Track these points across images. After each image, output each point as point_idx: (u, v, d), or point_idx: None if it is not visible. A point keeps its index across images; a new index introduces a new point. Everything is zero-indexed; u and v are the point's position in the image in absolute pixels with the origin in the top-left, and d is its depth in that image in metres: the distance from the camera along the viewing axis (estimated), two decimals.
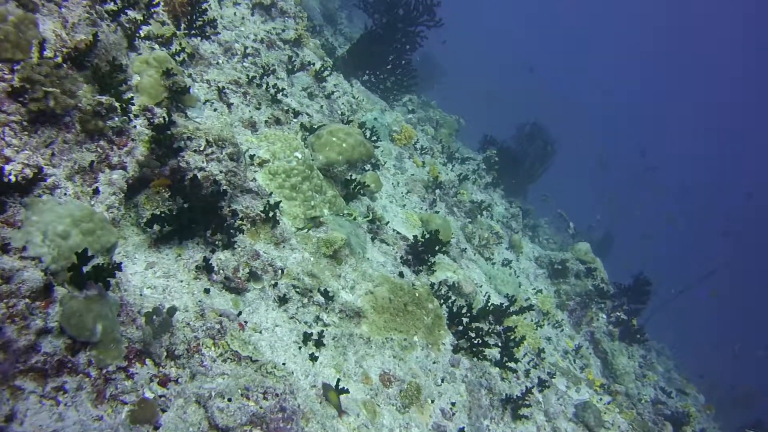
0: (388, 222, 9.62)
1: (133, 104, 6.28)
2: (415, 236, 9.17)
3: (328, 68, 12.92)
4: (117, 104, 5.89)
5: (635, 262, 28.58)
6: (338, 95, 12.99)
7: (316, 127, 9.31)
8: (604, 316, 15.88)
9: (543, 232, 20.75)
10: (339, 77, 14.04)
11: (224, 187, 6.42)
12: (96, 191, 5.50)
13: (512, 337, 9.55)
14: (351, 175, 8.99)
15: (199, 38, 9.10)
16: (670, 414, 13.43)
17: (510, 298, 10.71)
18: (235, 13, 11.27)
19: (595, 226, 26.00)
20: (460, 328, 8.39)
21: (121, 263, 4.81)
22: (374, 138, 12.28)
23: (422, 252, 8.95)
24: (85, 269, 4.40)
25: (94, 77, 5.78)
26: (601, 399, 12.01)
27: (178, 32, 8.54)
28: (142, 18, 7.45)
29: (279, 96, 9.62)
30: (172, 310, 5.01)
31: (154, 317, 4.86)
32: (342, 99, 13.06)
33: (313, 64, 12.16)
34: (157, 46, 7.84)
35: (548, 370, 11.47)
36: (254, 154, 7.50)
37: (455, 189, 14.80)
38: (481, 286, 11.34)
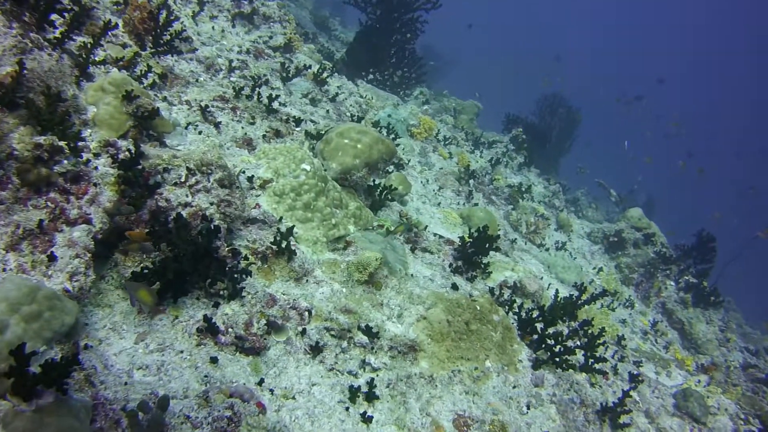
0: (427, 226, 8.24)
1: (85, 140, 5.02)
2: (461, 237, 7.79)
3: (328, 69, 11.64)
4: (63, 143, 4.60)
5: (679, 218, 27.10)
6: (344, 96, 11.68)
7: (323, 132, 8.01)
8: (673, 284, 14.39)
9: (585, 205, 19.29)
10: (342, 78, 12.75)
11: (217, 222, 5.09)
12: (52, 257, 4.21)
13: (591, 331, 8.17)
14: (374, 180, 7.65)
15: (172, 56, 7.83)
16: (765, 377, 11.90)
17: (579, 287, 9.28)
18: (213, 27, 10.02)
19: (638, 188, 24.40)
20: (535, 337, 6.97)
21: (88, 346, 3.53)
22: (392, 136, 10.97)
23: (473, 254, 7.56)
24: (33, 369, 3.09)
25: (31, 115, 4.50)
26: (699, 381, 10.53)
27: (142, 52, 7.27)
28: (92, 41, 6.19)
29: (275, 105, 8.35)
30: (164, 401, 3.65)
31: (141, 416, 3.53)
32: (349, 100, 11.75)
33: (310, 67, 10.86)
34: (115, 71, 6.57)
35: (633, 358, 10.05)
36: (253, 175, 6.16)
37: (489, 175, 13.42)
38: (542, 278, 9.94)
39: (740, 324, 17.74)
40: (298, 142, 7.88)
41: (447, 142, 13.73)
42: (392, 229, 7.12)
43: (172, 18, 7.71)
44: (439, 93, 20.94)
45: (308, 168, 6.21)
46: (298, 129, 8.17)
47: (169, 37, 7.49)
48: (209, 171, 5.33)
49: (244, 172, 6.22)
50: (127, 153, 5.11)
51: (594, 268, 13.41)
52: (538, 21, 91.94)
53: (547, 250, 12.09)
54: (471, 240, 7.58)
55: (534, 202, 14.58)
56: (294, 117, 8.37)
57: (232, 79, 8.95)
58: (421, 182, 10.97)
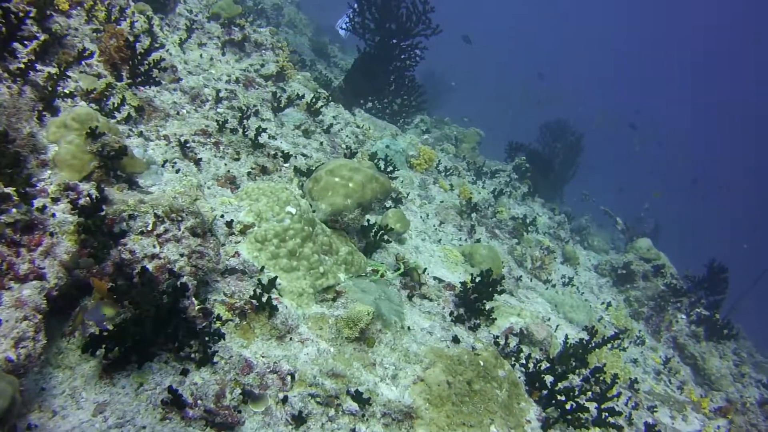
0: (426, 269, 7.64)
1: (36, 186, 4.47)
2: (463, 283, 7.19)
3: (323, 98, 11.12)
4: (11, 190, 4.05)
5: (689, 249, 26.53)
6: (339, 127, 11.14)
7: (313, 168, 7.46)
8: (684, 317, 13.80)
9: (590, 234, 18.73)
10: (338, 108, 12.22)
11: (185, 279, 4.49)
12: None
13: (603, 378, 7.59)
14: (368, 220, 7.06)
15: (152, 87, 7.29)
16: None
17: (589, 330, 8.66)
18: (201, 56, 9.52)
19: (645, 216, 23.73)
20: (545, 392, 6.36)
21: (32, 426, 2.95)
22: (390, 168, 10.41)
23: (476, 300, 6.97)
24: None
25: None
26: (719, 428, 9.90)
27: (117, 83, 6.74)
28: (58, 72, 5.66)
29: (264, 138, 7.83)
30: None
31: None
32: (345, 131, 11.21)
33: (303, 96, 10.33)
34: (83, 104, 6.04)
35: (647, 402, 9.44)
36: (232, 220, 5.58)
37: (492, 208, 12.87)
38: (549, 320, 9.34)
39: (751, 353, 17.08)
40: (286, 179, 7.34)
41: (448, 173, 13.19)
42: (387, 275, 6.55)
43: (150, 47, 7.20)
44: (440, 120, 20.49)
45: (294, 211, 5.63)
46: (286, 165, 7.62)
47: (146, 67, 6.94)
48: (180, 218, 4.76)
49: (222, 216, 5.64)
50: (87, 198, 4.55)
51: (602, 303, 12.83)
52: (541, 47, 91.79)
53: (554, 286, 11.50)
54: (474, 285, 6.99)
55: (539, 234, 14.03)
56: (283, 152, 7.83)
57: (219, 110, 8.43)
58: (421, 217, 10.40)
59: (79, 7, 8.06)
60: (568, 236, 15.62)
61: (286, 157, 7.67)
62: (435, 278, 7.58)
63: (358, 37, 14.00)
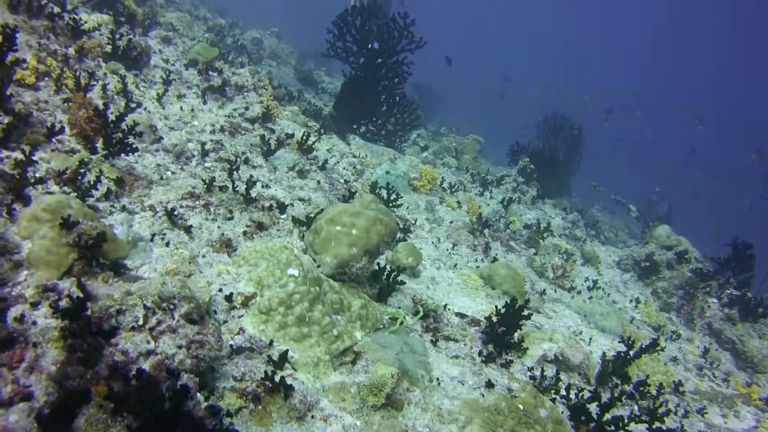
0: (446, 304, 7.17)
1: (11, 293, 4.05)
2: (488, 318, 6.69)
3: (315, 133, 10.71)
4: None
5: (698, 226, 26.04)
6: (336, 160, 10.72)
7: (313, 215, 7.01)
8: (715, 300, 13.27)
9: (604, 226, 18.27)
10: (332, 138, 11.81)
11: (186, 377, 4.04)
12: None
13: (646, 390, 7.12)
14: (378, 264, 6.60)
15: (131, 155, 6.85)
16: None
17: (626, 342, 8.13)
18: (182, 108, 9.13)
19: (656, 199, 23.24)
20: (592, 425, 5.86)
21: None
22: (393, 197, 9.97)
23: (504, 333, 6.49)
24: None
25: None
26: None
27: (93, 156, 6.32)
28: (24, 157, 5.25)
29: (257, 187, 7.41)
30: None
31: None
32: (342, 163, 10.78)
33: (293, 135, 9.90)
34: (56, 188, 5.61)
35: (696, 404, 8.94)
36: (232, 293, 5.12)
37: (504, 219, 12.41)
38: (580, 333, 8.87)
39: None
40: (285, 232, 6.90)
41: (453, 190, 12.75)
42: (406, 321, 6.09)
43: (123, 111, 6.78)
44: (437, 132, 20.14)
45: (296, 273, 5.17)
46: (283, 216, 7.17)
47: (121, 135, 6.50)
48: (172, 306, 4.31)
49: (221, 290, 5.18)
50: (68, 299, 4.11)
51: (631, 301, 12.34)
52: (521, 38, 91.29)
53: (579, 293, 11.01)
54: (499, 317, 6.52)
55: (555, 238, 13.54)
56: (278, 202, 7.38)
57: (206, 164, 8.01)
58: (432, 242, 9.95)
59: (46, 78, 7.67)
60: (584, 234, 15.13)
61: (282, 207, 7.22)
62: (457, 314, 7.09)
63: (342, 61, 13.58)
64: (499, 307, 6.62)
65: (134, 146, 6.64)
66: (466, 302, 7.99)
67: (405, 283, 6.93)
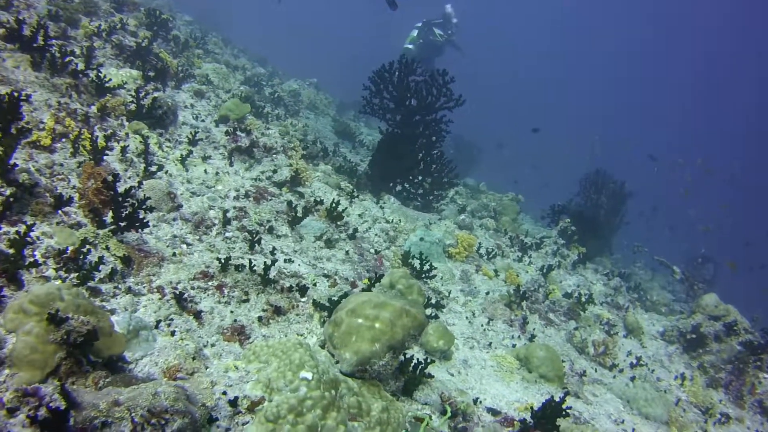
0: (478, 399, 6.54)
1: None
2: (521, 422, 6.04)
3: (347, 196, 10.23)
4: None
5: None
6: (367, 226, 10.22)
7: (336, 299, 6.47)
8: (766, 376, 12.40)
9: (649, 290, 17.48)
10: (365, 200, 11.34)
11: None
12: None
13: None
14: (404, 354, 5.99)
15: (138, 231, 6.37)
16: None
17: None
18: (206, 171, 8.71)
19: (702, 261, 22.34)
20: None
21: None
22: (426, 267, 9.42)
23: None
24: None
25: None
26: None
27: (99, 231, 5.87)
28: (18, 237, 4.82)
29: (274, 268, 6.89)
30: None
31: None
32: (374, 229, 10.27)
33: (322, 201, 9.43)
34: (53, 271, 5.15)
35: None
36: (237, 397, 4.56)
37: (543, 288, 11.73)
38: (623, 422, 8.16)
39: None
40: (305, 316, 6.36)
41: (491, 256, 12.15)
42: (432, 424, 5.47)
43: (140, 177, 6.35)
44: (475, 188, 19.59)
45: (310, 376, 4.61)
46: (303, 300, 6.63)
47: (131, 210, 6.04)
48: (163, 420, 3.78)
49: (225, 393, 4.63)
50: (46, 410, 3.61)
51: (676, 378, 11.54)
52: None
53: (621, 371, 10.28)
54: (534, 421, 5.88)
55: (596, 306, 12.84)
56: (298, 285, 6.84)
57: (227, 234, 7.55)
58: (466, 317, 9.34)
59: (63, 139, 7.31)
60: (626, 301, 14.37)
61: (303, 290, 6.67)
62: (489, 410, 6.44)
63: (379, 118, 13.15)
64: (534, 408, 5.98)
65: (145, 221, 6.16)
66: (500, 389, 7.36)
67: (433, 376, 6.30)
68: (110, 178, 6.00)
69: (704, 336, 12.94)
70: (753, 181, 65.61)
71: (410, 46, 21.69)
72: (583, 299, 11.80)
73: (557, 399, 5.90)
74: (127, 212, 6.00)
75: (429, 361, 6.08)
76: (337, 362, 5.30)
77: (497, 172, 33.66)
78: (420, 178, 13.49)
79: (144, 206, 6.12)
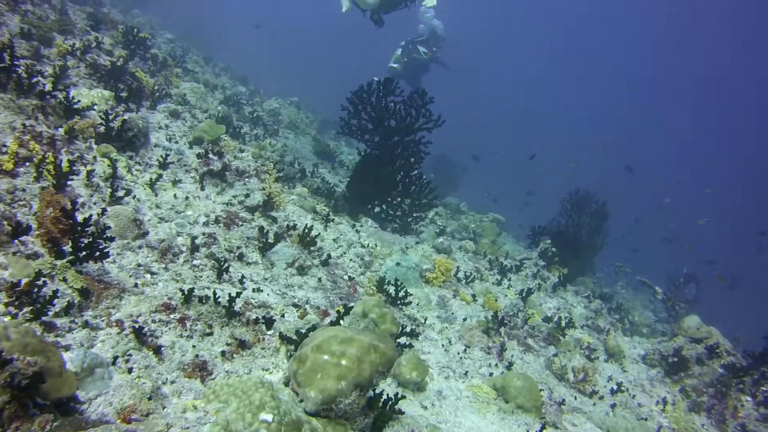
0: None
1: None
2: None
3: (322, 220, 10.05)
4: None
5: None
6: (342, 251, 10.02)
7: (304, 331, 6.27)
8: (749, 399, 12.23)
9: (631, 311, 17.37)
10: (341, 224, 11.16)
11: None
12: None
13: None
14: (374, 390, 5.77)
15: (100, 262, 6.13)
16: None
17: None
18: (175, 195, 8.52)
19: (684, 281, 22.30)
20: None
21: None
22: (402, 293, 9.24)
23: None
24: None
25: None
26: None
27: (57, 262, 5.65)
28: None
29: (240, 299, 6.68)
30: None
31: None
32: (348, 254, 10.08)
33: (295, 226, 9.24)
34: (2, 306, 4.93)
35: None
36: None
37: (522, 313, 11.54)
38: None
39: None
40: (271, 350, 6.15)
41: (469, 280, 11.96)
42: None
43: (107, 202, 6.14)
44: (456, 209, 19.47)
45: (270, 419, 4.40)
46: (269, 333, 6.42)
47: (90, 239, 5.83)
48: None
49: None
50: None
51: (658, 403, 11.37)
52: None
53: (602, 398, 10.10)
54: None
55: (576, 329, 12.68)
56: (267, 311, 6.65)
57: (195, 262, 7.33)
58: (443, 345, 9.14)
59: (27, 163, 7.10)
60: (607, 324, 14.21)
61: (269, 323, 6.45)
62: None
63: (357, 139, 12.98)
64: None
65: (105, 250, 5.95)
66: (476, 422, 7.17)
67: (404, 412, 6.10)
68: (69, 205, 5.79)
69: (686, 359, 12.81)
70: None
71: (395, 65, 21.63)
72: (563, 323, 11.64)
73: None
74: (86, 242, 5.78)
75: (399, 396, 5.89)
76: (302, 401, 5.09)
77: (480, 185, 33.69)
78: (399, 199, 13.32)
79: (104, 235, 5.91)
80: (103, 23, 14.66)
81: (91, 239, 5.79)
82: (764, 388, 12.27)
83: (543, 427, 5.85)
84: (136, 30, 14.69)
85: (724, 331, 13.83)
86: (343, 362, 5.11)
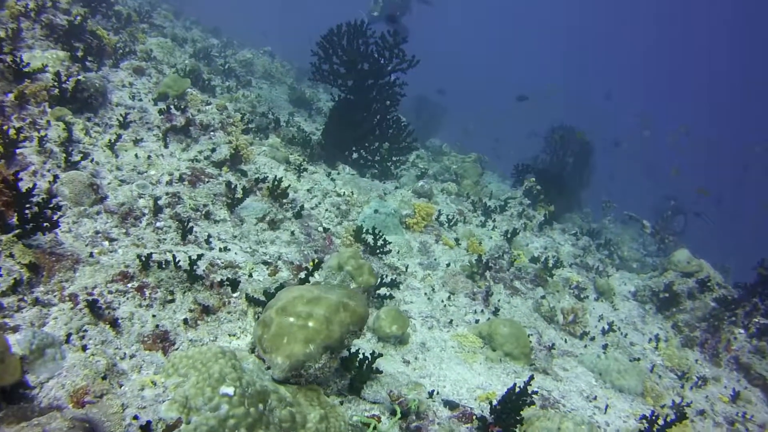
0: (433, 391, 6.05)
1: None
2: (480, 419, 5.57)
3: (295, 170, 9.70)
4: None
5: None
6: (317, 201, 9.67)
7: (273, 291, 5.95)
8: (742, 331, 12.07)
9: (620, 245, 17.10)
10: (316, 173, 10.80)
11: None
12: None
13: None
14: (348, 349, 5.46)
15: (48, 233, 5.73)
16: None
17: (650, 418, 6.96)
18: (137, 155, 8.13)
19: (672, 213, 21.97)
20: None
21: None
22: (381, 242, 8.93)
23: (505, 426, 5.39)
24: None
25: None
26: None
27: (2, 237, 5.28)
28: None
29: (204, 260, 6.34)
30: None
31: None
32: (324, 204, 9.73)
33: (265, 179, 8.87)
34: None
35: None
36: (150, 421, 4.03)
37: (508, 255, 11.24)
38: (595, 399, 7.76)
39: None
40: (238, 314, 5.84)
41: (452, 224, 11.63)
42: (381, 428, 4.98)
43: (63, 167, 5.75)
44: (438, 150, 19.05)
45: (231, 392, 4.09)
46: (235, 295, 6.09)
47: (37, 210, 5.44)
48: None
49: (137, 417, 4.11)
50: None
51: (650, 341, 11.17)
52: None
53: (593, 339, 9.87)
54: (495, 416, 5.42)
55: (565, 269, 12.42)
56: (235, 271, 6.32)
57: (158, 224, 6.98)
58: (425, 294, 8.85)
59: None
60: (596, 261, 13.97)
61: (234, 284, 6.11)
62: (446, 404, 5.95)
63: (330, 84, 12.53)
64: (493, 403, 5.54)
65: (55, 220, 5.58)
66: (462, 373, 6.92)
67: (381, 372, 5.82)
68: (11, 176, 5.40)
69: (677, 294, 12.61)
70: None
71: (375, 14, 20.95)
72: (551, 263, 11.38)
73: (520, 385, 5.46)
74: (32, 213, 5.41)
75: (376, 355, 5.60)
76: (269, 368, 4.78)
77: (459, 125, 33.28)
78: (376, 144, 12.94)
79: (51, 204, 5.53)
80: None
81: (37, 210, 5.42)
82: (756, 320, 12.11)
83: (530, 380, 5.56)
84: None
85: (713, 261, 13.64)
86: (311, 324, 4.79)
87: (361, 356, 5.49)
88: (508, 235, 11.95)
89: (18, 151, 6.95)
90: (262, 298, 5.95)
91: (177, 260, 5.93)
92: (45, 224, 5.48)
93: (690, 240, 19.77)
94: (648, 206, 23.96)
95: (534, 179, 15.57)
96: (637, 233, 21.24)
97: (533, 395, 5.59)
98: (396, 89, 12.25)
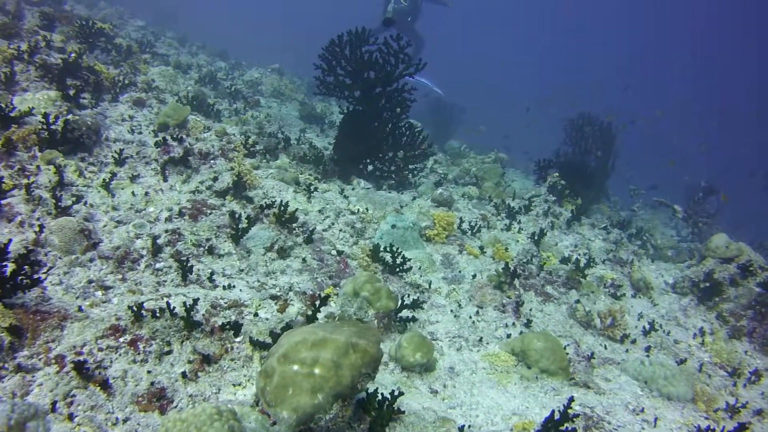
0: (465, 425, 5.50)
1: None
2: None
3: (306, 190, 9.26)
4: None
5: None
6: (329, 222, 9.19)
7: (279, 330, 5.47)
8: None
9: (652, 232, 16.39)
10: (328, 191, 10.34)
11: None
12: None
13: None
14: (366, 391, 4.93)
15: (28, 292, 5.32)
16: None
17: None
18: (133, 193, 7.71)
19: (703, 196, 21.22)
20: None
21: None
22: (400, 259, 8.43)
23: None
24: None
25: None
26: None
27: None
28: None
29: (205, 305, 5.89)
30: None
31: None
32: (337, 225, 9.24)
33: (272, 204, 8.41)
34: None
35: None
36: None
37: (537, 258, 10.67)
38: (642, 411, 7.16)
39: None
40: (242, 360, 5.36)
41: (474, 231, 11.07)
42: None
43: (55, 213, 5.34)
44: (456, 153, 18.53)
45: None
46: (238, 340, 5.61)
47: (11, 270, 5.00)
48: None
49: None
50: None
51: (695, 336, 10.50)
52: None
53: (634, 341, 9.26)
54: None
55: (598, 266, 11.81)
56: (231, 320, 5.83)
57: (158, 266, 6.54)
58: (452, 310, 8.32)
59: None
60: (631, 254, 13.32)
61: (237, 327, 5.63)
62: None
63: (337, 97, 12.09)
64: (534, 428, 5.01)
65: (36, 278, 5.14)
66: (495, 398, 6.38)
67: (404, 412, 5.31)
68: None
69: (719, 282, 11.91)
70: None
71: (390, 17, 20.59)
72: (582, 263, 10.78)
73: (560, 409, 4.93)
74: (9, 271, 4.98)
75: (397, 394, 5.07)
76: (274, 423, 4.30)
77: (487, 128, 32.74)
78: (391, 153, 12.47)
79: (28, 261, 5.10)
80: (57, 21, 13.78)
81: (15, 268, 4.99)
82: None
83: (570, 401, 5.03)
84: (92, 22, 13.79)
85: (749, 241, 12.96)
86: (317, 371, 4.29)
87: (380, 397, 4.98)
88: (535, 237, 11.37)
89: (5, 201, 6.55)
90: (269, 340, 5.46)
91: (172, 307, 5.45)
92: (25, 282, 5.05)
93: (723, 221, 19.06)
94: (673, 189, 23.22)
95: (557, 174, 14.98)
96: (668, 218, 20.57)
97: (574, 419, 5.05)
98: (405, 95, 11.77)
